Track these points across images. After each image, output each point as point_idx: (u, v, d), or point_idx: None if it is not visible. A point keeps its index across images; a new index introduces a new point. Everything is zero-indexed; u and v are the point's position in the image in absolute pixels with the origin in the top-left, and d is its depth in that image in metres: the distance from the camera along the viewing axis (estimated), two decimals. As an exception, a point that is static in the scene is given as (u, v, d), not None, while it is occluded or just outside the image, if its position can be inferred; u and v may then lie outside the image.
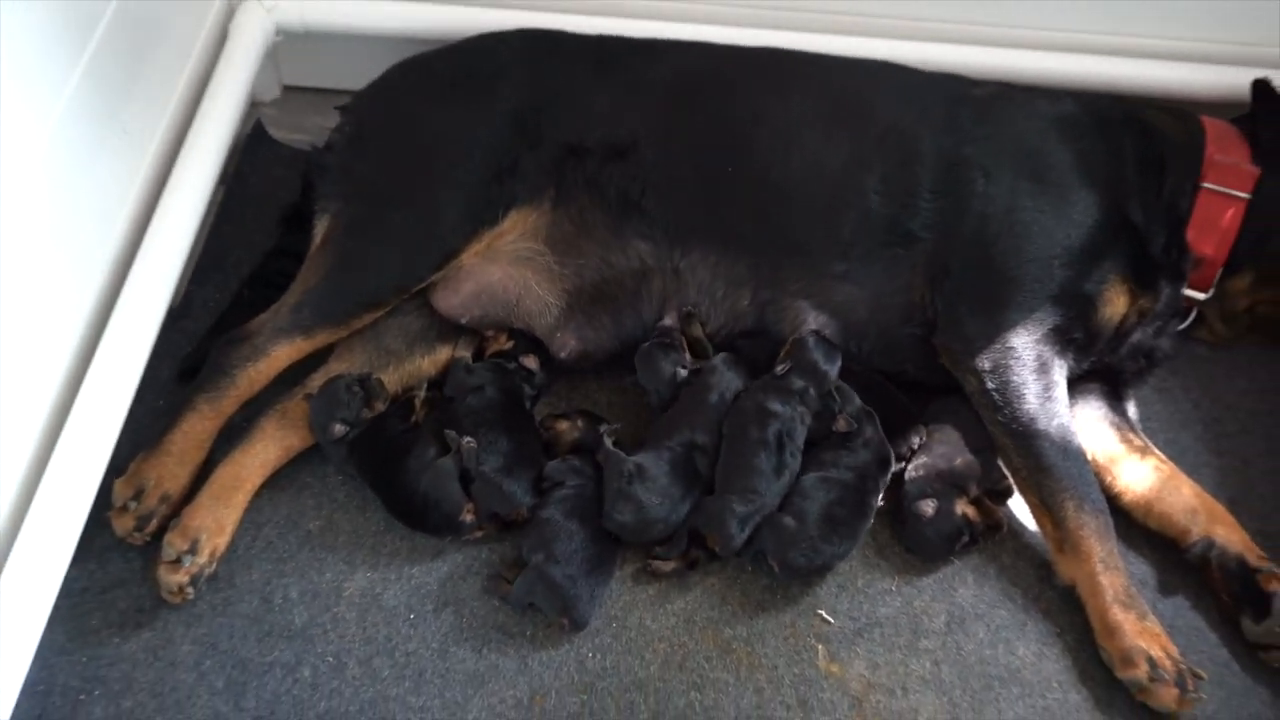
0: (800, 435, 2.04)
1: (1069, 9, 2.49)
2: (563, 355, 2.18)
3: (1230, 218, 2.20)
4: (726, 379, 2.10)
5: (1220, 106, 2.38)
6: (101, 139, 2.05)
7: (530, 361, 2.15)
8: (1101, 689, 1.91)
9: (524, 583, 1.92)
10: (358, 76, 2.39)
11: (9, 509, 1.81)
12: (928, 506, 2.03)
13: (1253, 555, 1.99)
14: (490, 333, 2.19)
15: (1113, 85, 2.45)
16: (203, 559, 1.91)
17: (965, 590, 2.02)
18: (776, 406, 2.02)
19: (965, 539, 2.03)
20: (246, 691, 1.85)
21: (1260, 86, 2.31)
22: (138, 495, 1.95)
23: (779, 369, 2.07)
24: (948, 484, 2.05)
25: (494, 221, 2.15)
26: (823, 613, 1.98)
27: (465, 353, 2.19)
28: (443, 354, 2.19)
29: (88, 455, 1.90)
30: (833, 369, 2.09)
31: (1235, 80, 2.39)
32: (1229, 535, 2.02)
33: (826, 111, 2.22)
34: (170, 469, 1.99)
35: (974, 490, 2.06)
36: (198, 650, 1.89)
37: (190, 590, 1.90)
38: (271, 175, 2.50)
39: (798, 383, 2.05)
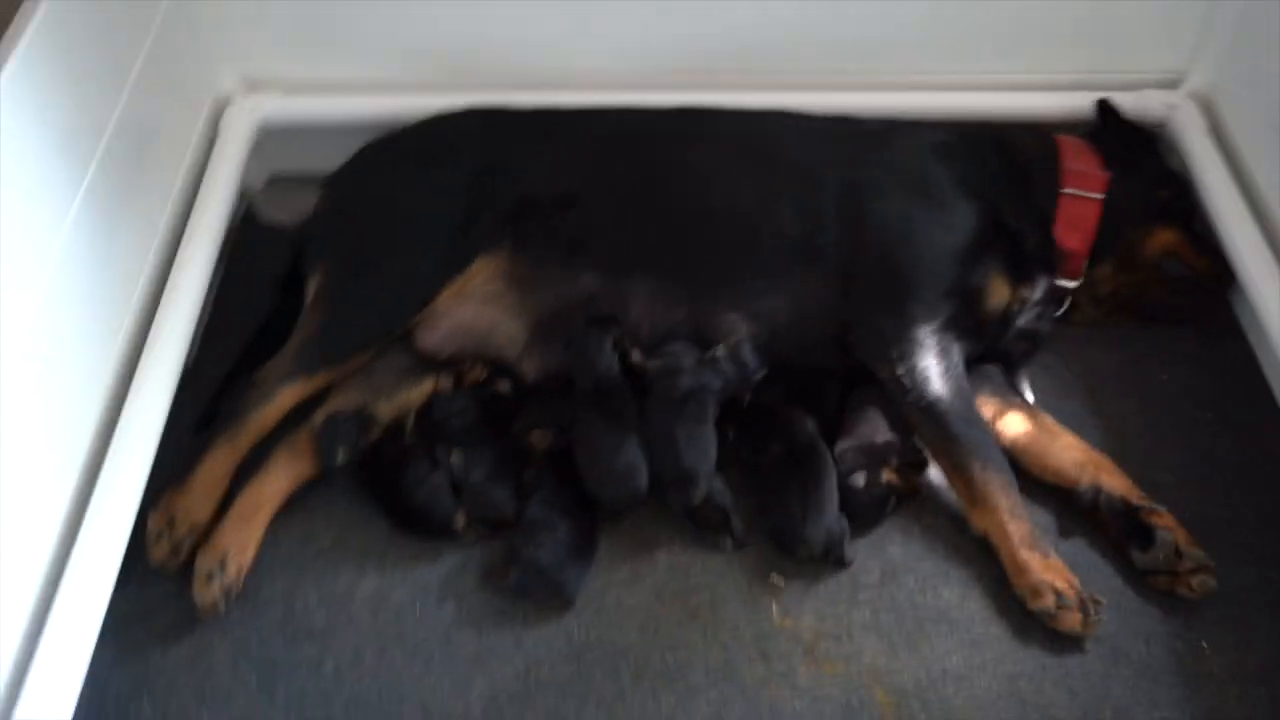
0: (716, 395, 2.16)
1: (939, 55, 2.66)
2: (530, 377, 2.29)
3: (1090, 216, 2.36)
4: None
5: (1072, 126, 2.58)
6: (116, 223, 2.18)
7: (503, 385, 2.27)
8: (1017, 620, 2.03)
9: (518, 573, 2.03)
10: (334, 162, 2.51)
11: (57, 544, 1.91)
12: (859, 478, 2.14)
13: (1135, 496, 2.12)
14: (467, 364, 2.30)
15: (980, 115, 2.62)
16: (231, 574, 2.00)
17: (894, 547, 2.14)
18: (706, 379, 2.16)
19: (893, 502, 2.15)
20: (277, 687, 1.94)
21: (1103, 106, 2.53)
22: (170, 525, 2.05)
23: (715, 352, 2.19)
24: (873, 458, 2.17)
25: (462, 269, 2.27)
26: (774, 576, 2.10)
27: (447, 382, 2.29)
28: (428, 385, 2.29)
29: (122, 495, 2.00)
30: (756, 367, 2.20)
31: (1081, 103, 2.59)
32: (1113, 481, 2.15)
33: (740, 154, 2.37)
34: (197, 501, 2.09)
35: (895, 462, 2.18)
36: (232, 655, 1.98)
37: (222, 604, 1.99)
38: (263, 252, 2.60)
39: (723, 365, 2.18)
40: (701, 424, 2.13)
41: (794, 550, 2.08)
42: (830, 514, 2.08)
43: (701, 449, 2.12)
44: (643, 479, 2.09)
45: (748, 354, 2.21)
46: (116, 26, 2.25)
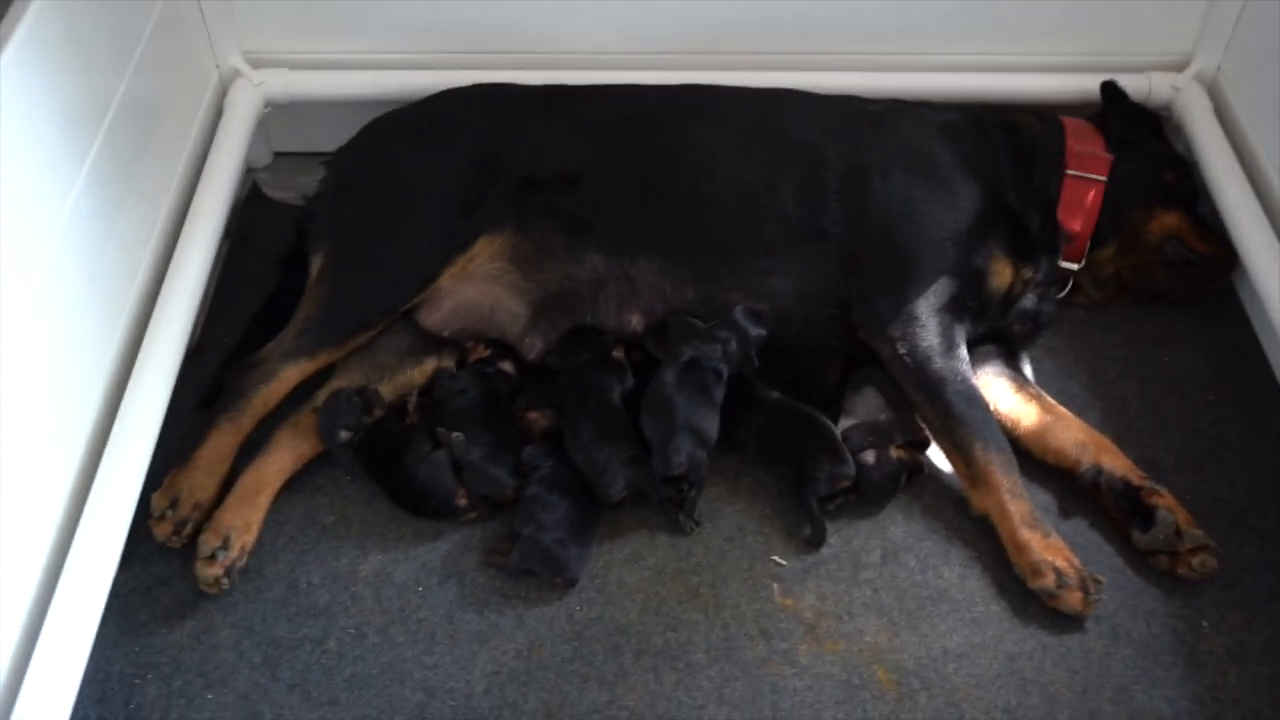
0: (723, 371, 2.13)
1: (945, 36, 2.62)
2: (532, 357, 2.26)
3: (1092, 198, 2.33)
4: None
5: (1077, 107, 2.53)
6: (120, 201, 2.14)
7: (506, 366, 2.23)
8: (1017, 599, 2.00)
9: (520, 552, 1.99)
10: (338, 139, 2.47)
11: (60, 524, 1.88)
12: (870, 456, 2.11)
13: (1135, 476, 2.09)
14: (469, 343, 2.27)
15: (986, 96, 2.57)
16: (234, 553, 1.97)
17: (895, 528, 2.11)
18: (704, 350, 2.12)
19: (905, 478, 2.12)
20: (281, 665, 1.92)
21: (1108, 87, 2.47)
22: (173, 505, 2.02)
23: (710, 324, 2.16)
24: (880, 436, 2.14)
25: (465, 248, 2.23)
26: (775, 557, 2.06)
27: (449, 362, 2.27)
28: (430, 365, 2.27)
29: (126, 474, 1.96)
30: (755, 330, 2.17)
31: (1087, 84, 2.54)
32: (1114, 462, 2.12)
33: (744, 134, 2.33)
34: (200, 480, 2.06)
35: (898, 440, 2.15)
36: (236, 633, 1.95)
37: (225, 581, 1.96)
38: (268, 229, 2.57)
39: (722, 333, 2.14)
40: (704, 393, 2.10)
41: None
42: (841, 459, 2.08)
43: (702, 415, 2.08)
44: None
45: (742, 318, 2.18)
46: (120, 3, 2.20)
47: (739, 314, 2.17)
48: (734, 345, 2.14)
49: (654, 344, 2.19)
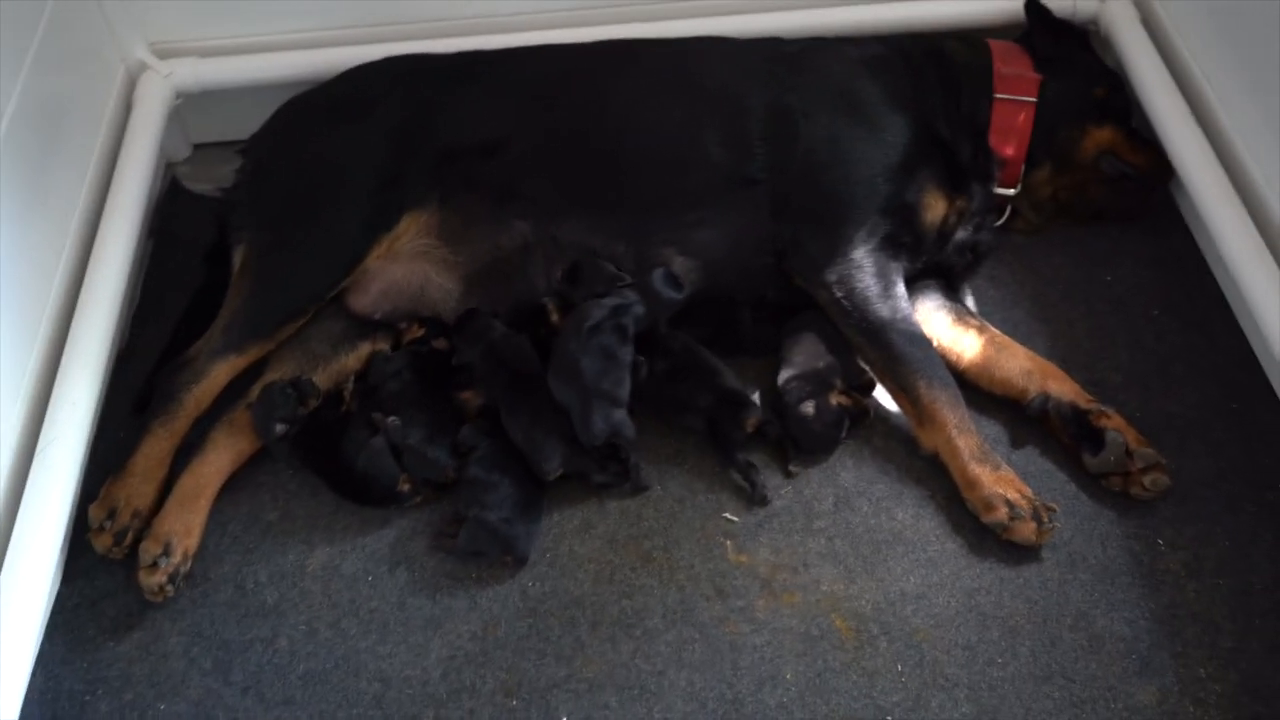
0: (628, 328, 2.07)
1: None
2: (468, 332, 2.20)
3: (1023, 120, 2.28)
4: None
5: (1007, 30, 2.46)
6: (27, 207, 2.06)
7: (441, 344, 2.17)
8: (973, 535, 1.97)
9: (467, 534, 1.95)
10: (257, 126, 2.38)
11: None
12: (809, 407, 2.07)
13: (1083, 400, 2.06)
14: (403, 324, 2.21)
15: (911, 25, 2.51)
16: (176, 559, 1.92)
17: (846, 473, 2.08)
18: (600, 311, 2.06)
19: (847, 424, 2.08)
20: (233, 668, 1.87)
21: (1031, 5, 2.41)
22: (111, 515, 1.96)
23: (624, 284, 2.11)
24: (818, 384, 2.09)
25: (389, 227, 2.16)
26: (727, 514, 2.03)
27: (384, 345, 2.20)
28: (365, 349, 2.20)
29: (55, 488, 1.91)
30: (669, 294, 2.11)
31: (1014, 5, 2.46)
32: (1061, 387, 2.08)
33: (664, 85, 2.27)
34: (137, 488, 2.00)
35: (839, 385, 2.10)
36: (185, 640, 1.90)
37: (170, 588, 1.91)
38: (192, 223, 2.48)
39: (630, 295, 2.09)
40: (610, 356, 2.03)
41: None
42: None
43: (612, 380, 2.02)
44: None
45: (658, 282, 2.12)
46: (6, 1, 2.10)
47: (656, 278, 2.11)
48: (638, 308, 2.08)
49: (567, 289, 2.13)
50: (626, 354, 2.05)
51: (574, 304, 2.10)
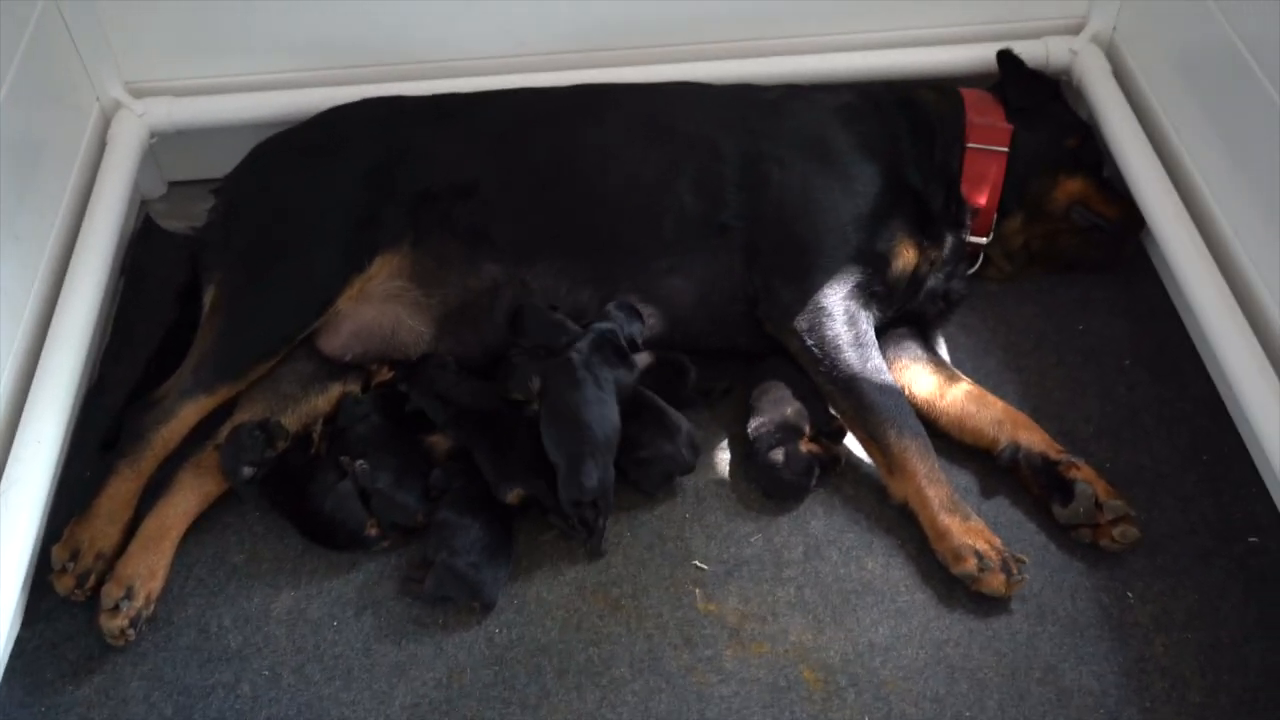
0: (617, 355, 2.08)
1: (839, 15, 2.55)
2: (439, 374, 2.19)
3: (995, 170, 2.29)
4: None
5: (979, 79, 2.48)
6: (-5, 247, 2.05)
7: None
8: (942, 586, 1.96)
9: (434, 579, 1.93)
10: (233, 165, 2.38)
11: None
12: (778, 455, 2.06)
13: (1053, 451, 2.05)
14: (374, 366, 2.19)
15: (884, 73, 2.52)
16: (139, 603, 1.90)
17: (816, 522, 2.07)
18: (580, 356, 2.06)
19: (817, 472, 2.07)
20: (194, 713, 1.84)
21: (1004, 56, 2.43)
22: (74, 556, 1.94)
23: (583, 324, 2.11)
24: (788, 432, 2.09)
25: (362, 268, 2.15)
26: (696, 561, 2.01)
27: (354, 387, 2.18)
28: (335, 391, 2.18)
29: (18, 528, 1.89)
30: (628, 326, 2.12)
31: (986, 54, 2.48)
32: (1031, 437, 2.08)
33: (637, 130, 2.26)
34: (101, 529, 1.97)
35: (809, 432, 2.10)
36: (146, 685, 1.88)
37: (131, 632, 1.89)
38: (165, 261, 2.47)
39: (599, 325, 2.10)
40: (604, 404, 2.03)
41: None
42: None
43: (612, 428, 2.02)
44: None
45: (615, 314, 2.12)
46: (-22, 39, 2.11)
47: (612, 310, 2.12)
48: (610, 326, 2.08)
49: (509, 333, 2.13)
50: (610, 394, 2.04)
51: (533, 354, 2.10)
